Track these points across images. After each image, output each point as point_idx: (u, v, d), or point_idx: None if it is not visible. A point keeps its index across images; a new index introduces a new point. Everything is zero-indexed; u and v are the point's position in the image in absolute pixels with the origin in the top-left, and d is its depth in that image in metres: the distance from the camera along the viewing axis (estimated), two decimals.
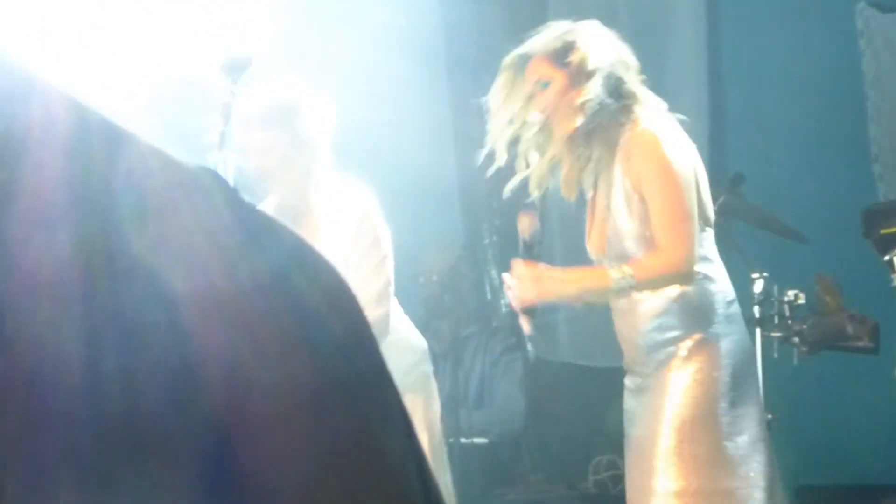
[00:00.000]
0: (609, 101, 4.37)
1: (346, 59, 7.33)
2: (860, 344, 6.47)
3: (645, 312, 4.40)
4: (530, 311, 4.35)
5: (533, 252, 4.47)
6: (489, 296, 8.21)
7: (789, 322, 6.19)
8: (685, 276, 4.26)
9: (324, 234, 4.90)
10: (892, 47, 7.88)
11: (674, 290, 4.32)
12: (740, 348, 4.42)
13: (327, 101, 5.06)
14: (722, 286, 4.44)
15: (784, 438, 6.30)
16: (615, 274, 4.22)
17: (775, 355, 6.43)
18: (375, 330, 3.98)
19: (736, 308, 4.49)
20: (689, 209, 4.25)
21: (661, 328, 4.38)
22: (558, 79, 4.48)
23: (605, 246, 4.40)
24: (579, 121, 4.35)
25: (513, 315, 7.67)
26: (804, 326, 6.31)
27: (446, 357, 6.85)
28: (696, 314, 4.37)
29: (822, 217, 7.13)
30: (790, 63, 7.78)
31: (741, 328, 4.51)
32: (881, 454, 7.13)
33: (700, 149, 8.01)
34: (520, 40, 4.59)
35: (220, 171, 4.31)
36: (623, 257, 4.32)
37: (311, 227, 4.91)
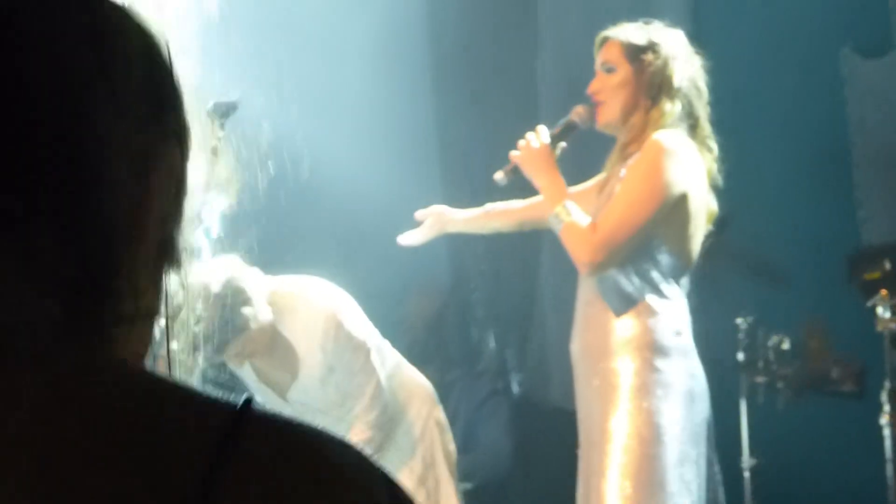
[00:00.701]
0: (677, 122, 4.33)
1: (335, 95, 7.37)
2: (845, 389, 6.49)
3: (597, 330, 4.36)
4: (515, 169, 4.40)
5: (561, 136, 4.46)
6: (475, 339, 8.19)
7: (774, 367, 6.21)
8: (588, 264, 4.25)
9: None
10: (876, 93, 7.92)
11: (624, 320, 4.27)
12: (680, 382, 4.27)
13: None
14: (667, 319, 4.31)
15: (768, 483, 6.31)
16: (558, 209, 4.26)
17: (760, 400, 6.45)
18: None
19: (683, 342, 4.34)
20: (638, 218, 4.19)
21: (607, 352, 4.33)
22: (624, 71, 4.45)
23: None
24: (648, 130, 4.30)
25: (500, 358, 7.69)
26: (789, 371, 6.34)
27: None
28: (640, 344, 4.29)
29: (808, 262, 7.14)
30: (775, 108, 7.81)
31: (687, 363, 4.33)
32: (866, 499, 7.11)
33: None
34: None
35: (205, 214, 4.32)
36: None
37: None
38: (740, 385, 6.28)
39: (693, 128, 4.42)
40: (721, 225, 6.36)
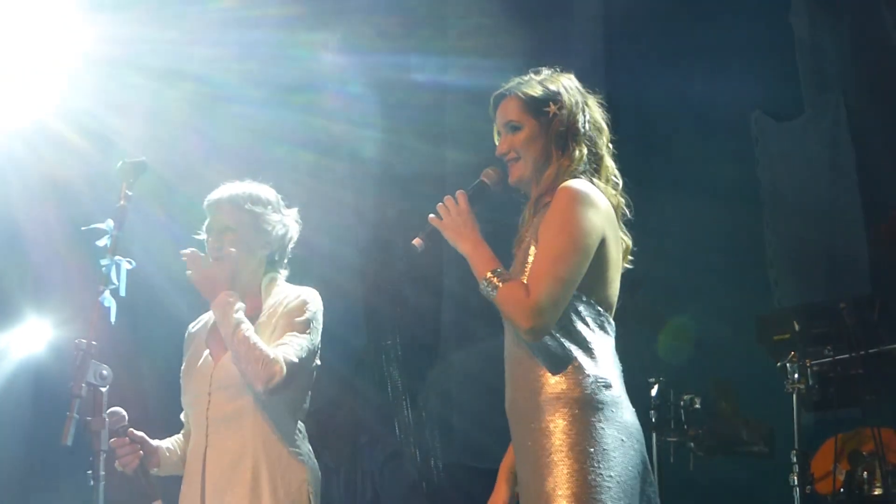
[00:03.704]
0: (585, 167, 4.32)
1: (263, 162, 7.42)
2: (755, 449, 6.53)
3: (526, 389, 4.33)
4: (432, 233, 4.33)
5: (474, 200, 4.43)
6: (391, 397, 8.17)
7: (685, 427, 6.24)
8: (529, 331, 4.11)
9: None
10: (787, 155, 8.04)
11: (552, 377, 4.24)
12: (612, 437, 4.23)
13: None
14: (595, 372, 4.27)
15: None
16: (488, 276, 4.19)
17: (671, 460, 6.47)
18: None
19: (613, 393, 4.29)
20: (570, 271, 4.19)
21: (537, 410, 4.29)
22: (530, 126, 4.43)
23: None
24: (559, 180, 4.29)
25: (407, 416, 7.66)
26: (700, 431, 6.37)
27: (339, 471, 6.78)
28: (568, 401, 4.24)
29: (719, 322, 7.21)
30: (688, 169, 7.90)
31: (619, 414, 4.28)
32: None
33: None
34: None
35: (112, 276, 4.28)
36: None
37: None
38: (652, 444, 6.30)
39: (598, 167, 4.42)
40: (633, 286, 6.42)
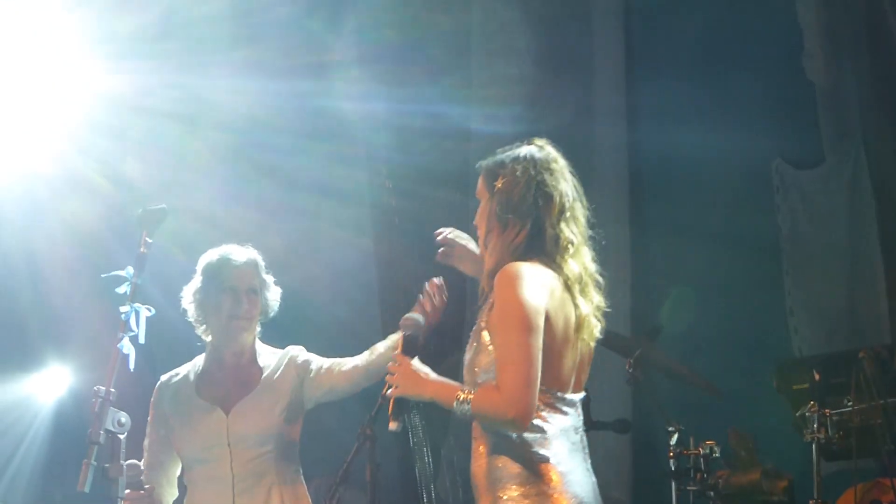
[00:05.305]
0: (523, 249, 4.32)
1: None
2: (775, 499, 6.49)
3: (478, 467, 4.34)
4: (400, 407, 4.33)
5: (408, 344, 4.45)
6: (412, 444, 8.14)
7: (704, 475, 6.21)
8: (513, 420, 4.09)
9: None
10: (807, 203, 8.04)
11: (499, 457, 4.24)
12: None
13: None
14: (542, 450, 4.27)
15: None
16: (460, 395, 4.18)
17: None
18: None
19: (560, 471, 4.28)
20: (527, 352, 4.19)
21: (485, 489, 4.30)
22: (485, 199, 4.45)
23: (465, 365, 4.36)
24: (500, 258, 4.31)
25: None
26: (719, 480, 6.33)
27: None
28: (512, 475, 4.24)
29: (739, 370, 7.20)
30: (709, 216, 7.92)
31: (568, 490, 4.27)
32: None
33: (622, 301, 8.24)
34: None
35: (132, 323, 4.30)
36: (472, 382, 4.26)
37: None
38: (672, 493, 6.27)
39: (542, 243, 4.39)
40: (652, 333, 6.42)
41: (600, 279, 4.42)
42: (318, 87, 8.35)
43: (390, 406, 4.40)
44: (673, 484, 6.19)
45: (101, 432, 4.17)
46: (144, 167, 7.74)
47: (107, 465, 4.19)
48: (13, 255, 8.20)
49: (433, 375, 4.34)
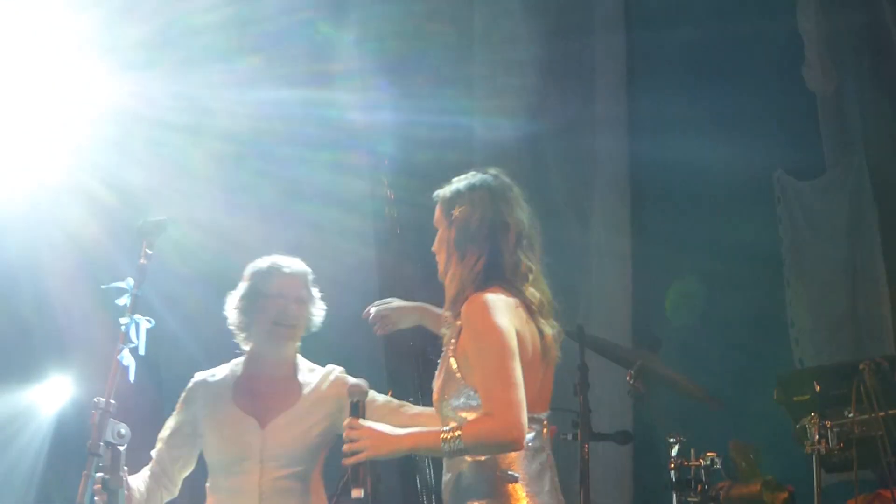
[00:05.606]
0: (483, 277, 4.38)
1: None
2: None
3: (447, 466, 4.38)
4: (364, 472, 4.34)
5: (359, 410, 4.46)
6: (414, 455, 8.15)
7: (705, 487, 6.20)
8: (512, 442, 4.16)
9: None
10: (808, 213, 8.04)
11: (468, 473, 4.27)
12: None
13: None
14: (504, 466, 4.30)
15: None
16: (446, 435, 4.20)
17: None
18: None
19: (518, 487, 4.33)
20: (511, 376, 4.17)
21: (452, 494, 4.35)
22: (443, 228, 4.54)
23: (434, 392, 4.39)
24: (460, 286, 4.37)
25: None
26: (720, 492, 6.33)
27: None
28: (474, 490, 4.29)
29: (739, 381, 7.19)
30: (710, 227, 7.92)
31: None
32: None
33: (622, 311, 8.25)
34: None
35: (132, 335, 4.30)
36: (446, 409, 4.29)
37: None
38: None
39: (501, 270, 4.43)
40: (653, 345, 6.42)
41: (557, 306, 4.48)
42: (321, 97, 8.35)
43: (350, 473, 4.40)
44: (674, 495, 6.18)
45: (101, 444, 4.17)
46: (147, 177, 7.74)
47: (107, 476, 4.20)
48: (15, 265, 8.20)
49: (401, 430, 4.36)
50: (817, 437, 5.97)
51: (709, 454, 6.21)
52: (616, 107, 8.54)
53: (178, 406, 5.30)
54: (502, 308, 4.27)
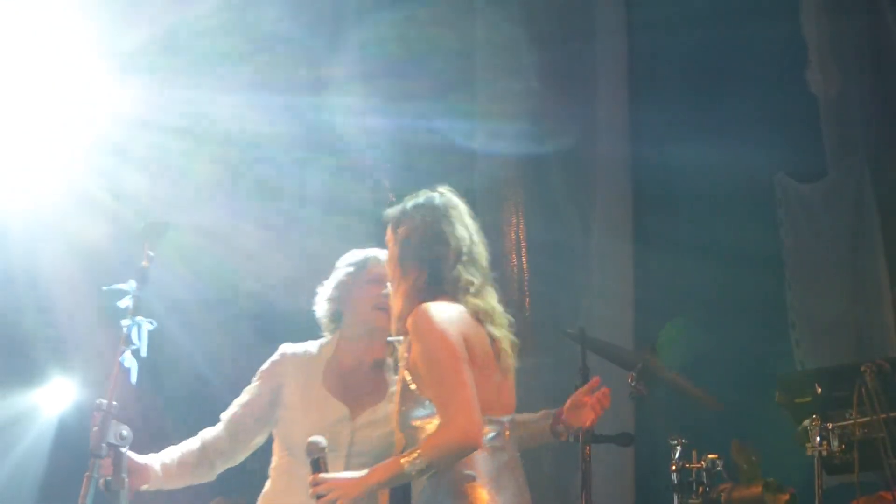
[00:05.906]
0: (425, 292, 4.46)
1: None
2: None
3: (415, 484, 4.45)
4: None
5: (320, 466, 4.52)
6: None
7: (707, 489, 6.20)
8: (469, 442, 4.24)
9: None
10: (810, 216, 8.04)
11: (437, 472, 4.30)
12: None
13: None
14: (459, 468, 4.35)
15: None
16: (406, 458, 4.25)
17: None
18: None
19: (474, 486, 4.38)
20: (459, 378, 4.25)
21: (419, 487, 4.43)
22: (391, 246, 4.69)
23: (397, 410, 4.48)
24: (404, 301, 4.48)
25: None
26: (721, 494, 6.33)
27: None
28: (432, 490, 4.35)
29: (741, 383, 7.19)
30: (711, 230, 7.92)
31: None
32: None
33: (624, 315, 8.25)
34: None
35: (133, 337, 4.31)
36: (407, 424, 4.37)
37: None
38: None
39: (442, 284, 4.52)
40: (654, 347, 6.43)
41: (511, 318, 4.57)
42: (323, 103, 8.37)
43: None
44: (675, 497, 6.18)
45: (103, 445, 4.18)
46: (148, 182, 7.76)
47: (109, 478, 4.21)
48: (17, 269, 8.21)
49: (362, 471, 4.44)
50: (819, 439, 5.96)
51: (710, 456, 6.21)
52: (618, 111, 8.55)
53: (261, 374, 5.27)
54: (445, 314, 4.37)
